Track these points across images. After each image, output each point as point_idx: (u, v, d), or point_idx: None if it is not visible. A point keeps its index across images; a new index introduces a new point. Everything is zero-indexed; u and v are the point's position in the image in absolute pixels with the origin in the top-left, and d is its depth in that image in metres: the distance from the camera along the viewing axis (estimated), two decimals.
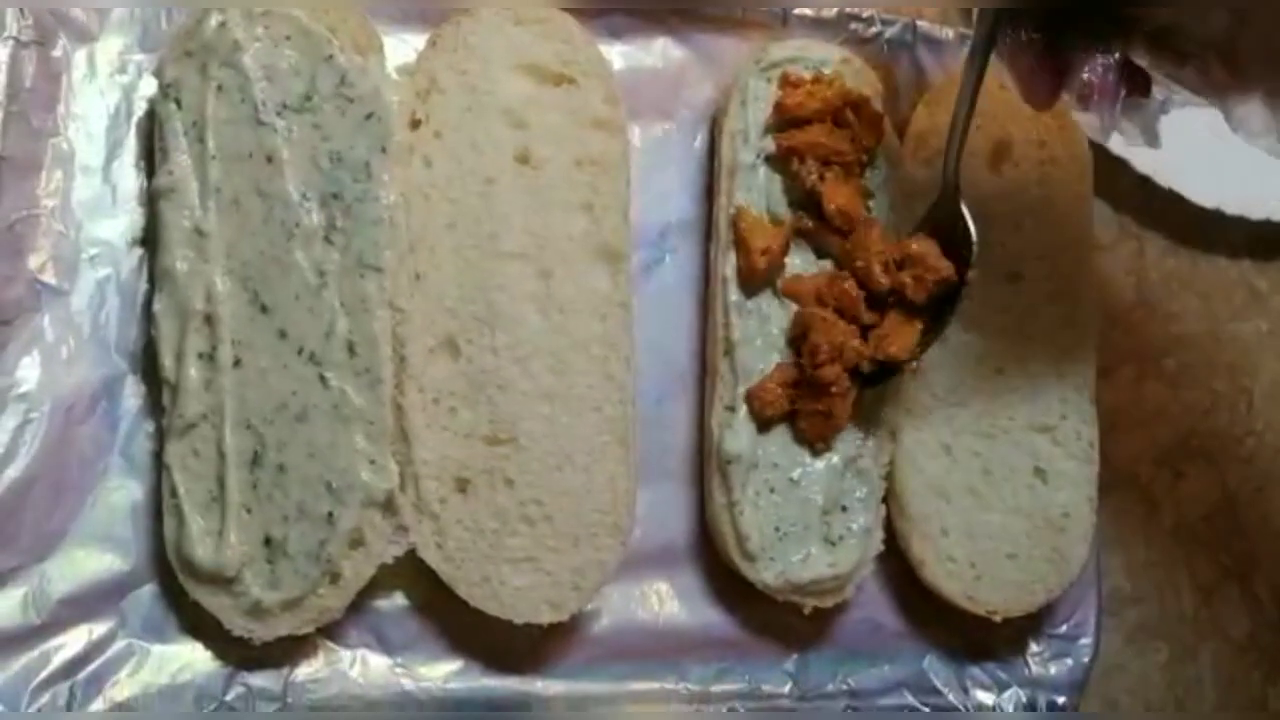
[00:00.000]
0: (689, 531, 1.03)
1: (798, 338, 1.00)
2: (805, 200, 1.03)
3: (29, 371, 0.91)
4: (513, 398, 0.95)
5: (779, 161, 1.04)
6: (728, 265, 1.02)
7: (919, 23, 1.15)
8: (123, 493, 0.92)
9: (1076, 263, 1.10)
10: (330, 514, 0.90)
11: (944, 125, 1.10)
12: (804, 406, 0.99)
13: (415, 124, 0.98)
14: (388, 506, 0.91)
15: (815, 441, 1.00)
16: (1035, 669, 1.09)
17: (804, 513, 1.00)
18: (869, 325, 1.00)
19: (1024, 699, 1.08)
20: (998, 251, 1.08)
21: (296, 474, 0.90)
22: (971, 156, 1.10)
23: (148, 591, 0.92)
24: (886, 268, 0.99)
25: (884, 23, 1.14)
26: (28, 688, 0.87)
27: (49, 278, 0.93)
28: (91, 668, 0.89)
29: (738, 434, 0.99)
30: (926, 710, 1.05)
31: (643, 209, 1.05)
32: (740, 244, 1.02)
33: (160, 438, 0.92)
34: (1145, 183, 1.21)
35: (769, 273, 1.01)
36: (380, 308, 0.92)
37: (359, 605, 0.93)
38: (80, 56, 0.97)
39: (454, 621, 0.96)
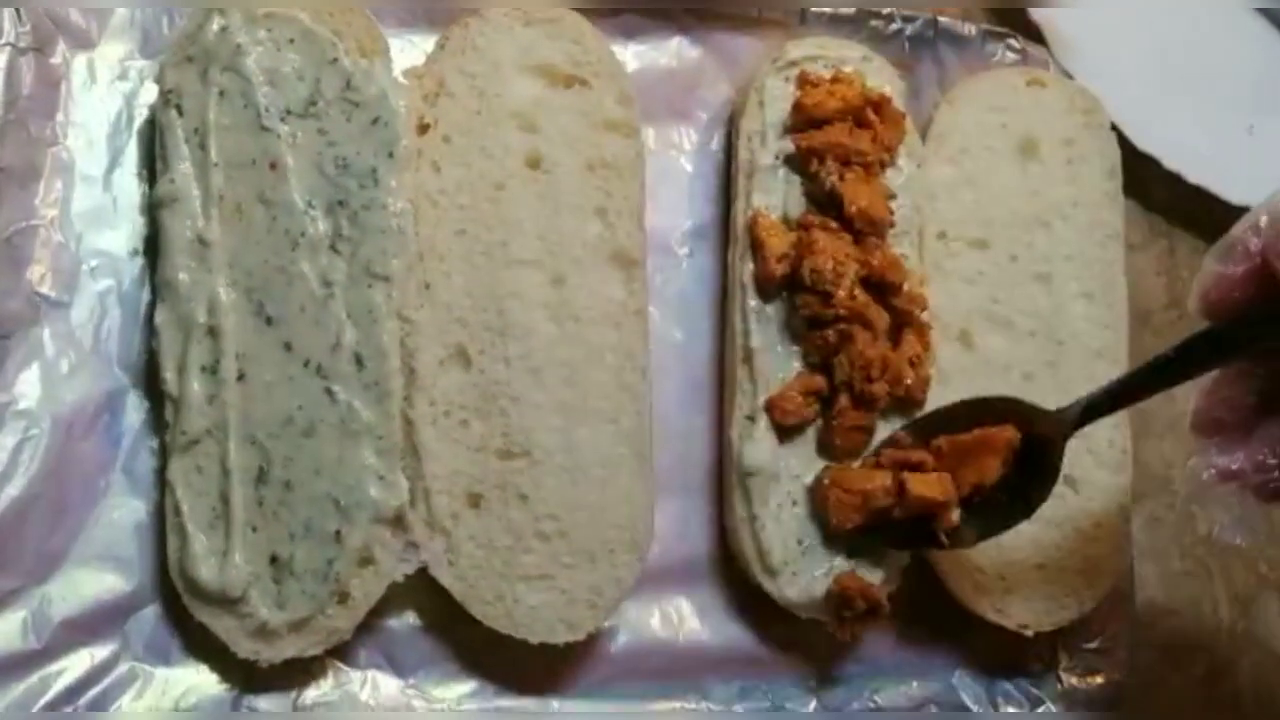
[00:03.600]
0: (709, 546, 1.01)
1: (830, 354, 0.97)
2: (826, 202, 1.00)
3: (28, 387, 0.89)
4: (526, 410, 0.92)
5: (798, 162, 1.01)
6: (746, 270, 0.99)
7: (940, 19, 1.13)
8: (125, 511, 0.90)
9: (1107, 263, 1.07)
10: (338, 532, 0.87)
11: (967, 123, 1.08)
12: (842, 423, 0.96)
13: (423, 128, 0.96)
14: (398, 523, 0.89)
15: (847, 457, 0.97)
16: (1067, 684, 1.06)
17: (827, 525, 0.97)
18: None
19: (1056, 716, 1.04)
20: (1026, 252, 1.05)
21: (303, 490, 0.88)
22: (997, 154, 1.08)
23: (151, 613, 0.90)
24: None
25: (905, 20, 1.12)
26: (28, 714, 0.85)
27: (48, 290, 0.91)
28: (94, 692, 0.87)
29: (758, 445, 0.96)
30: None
31: (658, 213, 1.02)
32: (757, 249, 0.99)
33: (163, 454, 0.90)
34: (1175, 180, 1.17)
35: (787, 278, 0.98)
36: (388, 318, 0.90)
37: (369, 625, 0.91)
38: (80, 63, 0.95)
39: (467, 641, 0.94)
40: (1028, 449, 0.92)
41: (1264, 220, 0.76)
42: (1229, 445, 0.82)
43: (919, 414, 0.99)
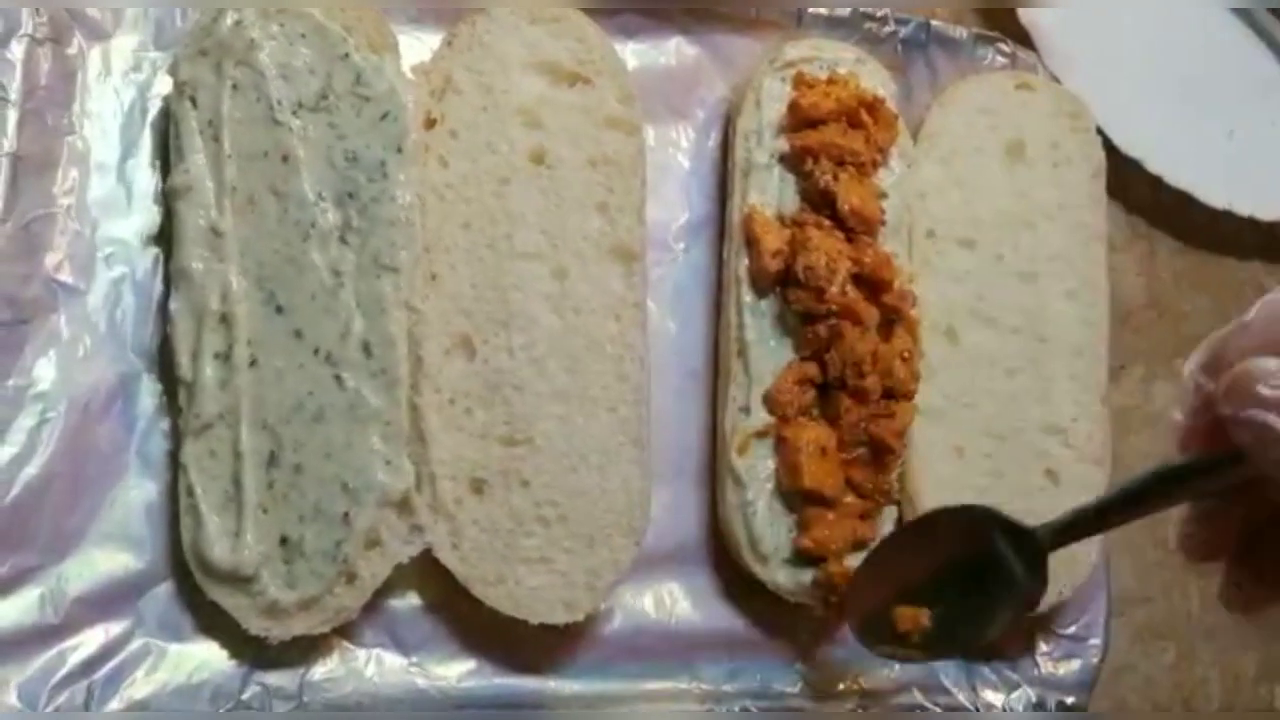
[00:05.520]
0: (702, 531, 1.04)
1: (822, 348, 1.00)
2: (819, 200, 1.03)
3: (46, 370, 0.91)
4: (528, 398, 0.95)
5: (793, 161, 1.04)
6: (741, 265, 1.02)
7: (933, 22, 1.16)
8: (139, 492, 0.92)
9: (1090, 263, 1.10)
10: (346, 514, 0.90)
11: (957, 125, 1.11)
12: (846, 420, 0.98)
13: (430, 123, 0.98)
14: (403, 507, 0.91)
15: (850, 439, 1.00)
16: (1044, 669, 1.09)
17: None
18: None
19: (1033, 699, 1.08)
20: (1012, 252, 1.08)
21: (313, 474, 0.90)
22: (985, 156, 1.11)
23: (164, 591, 0.92)
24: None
25: (898, 22, 1.14)
26: (46, 687, 0.87)
27: (65, 276, 0.93)
28: (108, 667, 0.89)
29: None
30: (936, 710, 1.06)
31: (657, 208, 1.05)
32: (752, 245, 1.02)
33: (176, 437, 0.92)
34: (1156, 183, 1.21)
35: (781, 274, 1.01)
36: (396, 308, 0.92)
37: (374, 605, 0.93)
38: (95, 54, 0.97)
39: (468, 621, 0.96)
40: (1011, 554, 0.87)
41: (1200, 374, 0.71)
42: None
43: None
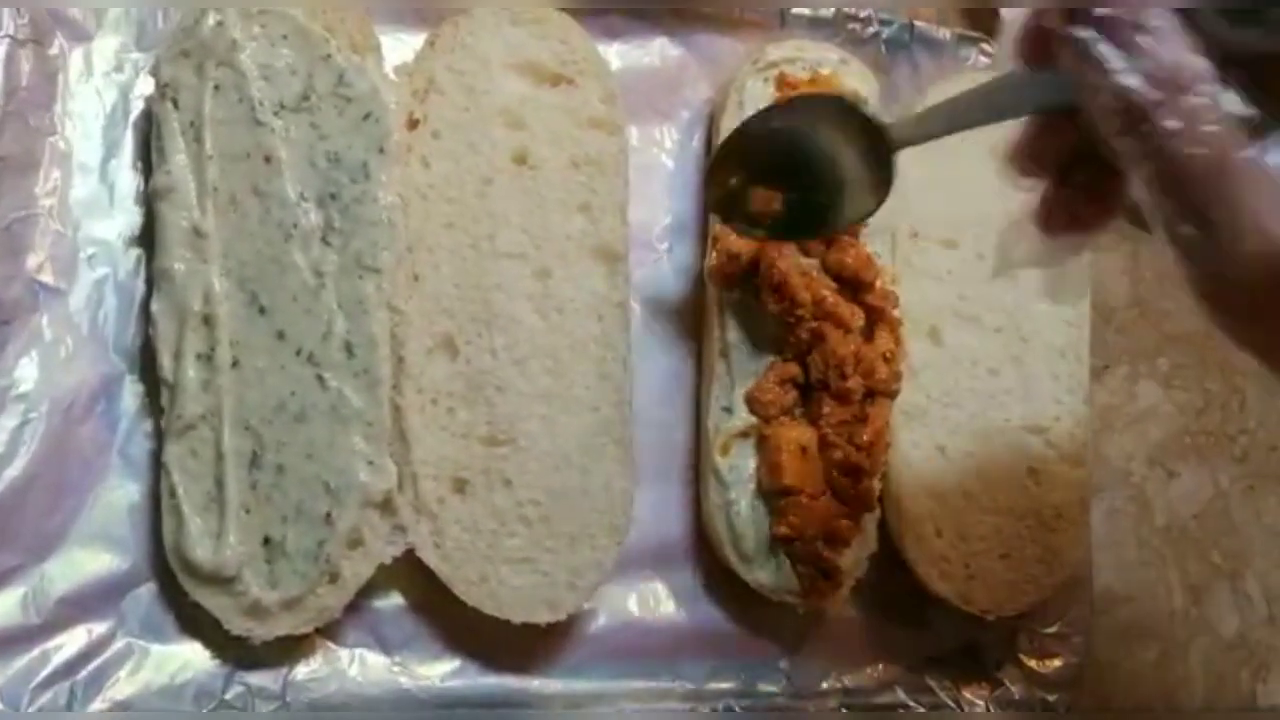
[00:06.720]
0: (685, 531, 1.04)
1: (804, 351, 1.00)
2: None
3: (27, 371, 0.91)
4: (511, 398, 0.95)
5: None
6: None
7: (916, 23, 1.16)
8: (121, 492, 0.92)
9: (1072, 263, 1.10)
10: (329, 514, 0.90)
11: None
12: (828, 419, 0.99)
13: (413, 124, 0.98)
14: (386, 507, 0.91)
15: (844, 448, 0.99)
16: (1026, 667, 1.10)
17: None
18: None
19: (1016, 697, 1.09)
20: (994, 252, 1.09)
21: (295, 474, 0.90)
22: (968, 156, 1.09)
23: (147, 591, 0.92)
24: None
25: (881, 23, 1.14)
26: (28, 687, 0.87)
27: (47, 277, 0.93)
28: (91, 667, 0.89)
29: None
30: (919, 708, 1.06)
31: (640, 209, 1.04)
32: (714, 244, 1.02)
33: (159, 438, 0.92)
34: None
35: (737, 278, 1.01)
36: (378, 309, 0.92)
37: (357, 605, 0.93)
38: (77, 55, 0.96)
39: (451, 621, 0.96)
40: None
41: None
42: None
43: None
